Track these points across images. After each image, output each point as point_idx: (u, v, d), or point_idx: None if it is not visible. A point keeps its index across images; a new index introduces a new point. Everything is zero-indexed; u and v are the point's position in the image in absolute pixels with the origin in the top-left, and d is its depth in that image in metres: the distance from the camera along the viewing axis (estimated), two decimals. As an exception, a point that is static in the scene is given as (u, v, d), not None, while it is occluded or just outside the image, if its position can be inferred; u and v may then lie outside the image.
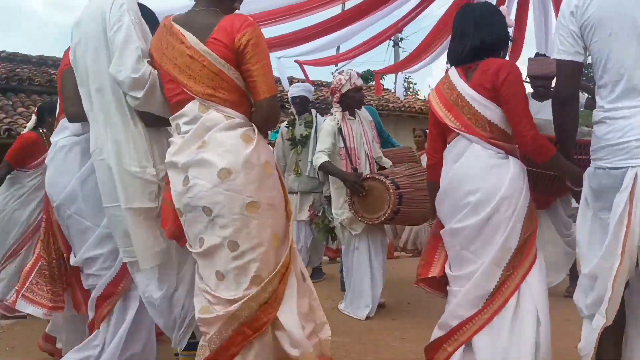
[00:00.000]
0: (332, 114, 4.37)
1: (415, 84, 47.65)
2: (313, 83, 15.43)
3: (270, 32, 6.67)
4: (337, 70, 8.04)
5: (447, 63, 2.90)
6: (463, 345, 2.31)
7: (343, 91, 4.27)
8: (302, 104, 5.71)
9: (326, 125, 4.34)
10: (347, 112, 4.33)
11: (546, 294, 2.32)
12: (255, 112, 2.19)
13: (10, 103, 10.33)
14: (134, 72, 2.21)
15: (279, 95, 5.43)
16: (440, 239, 2.50)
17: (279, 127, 5.86)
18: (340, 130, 4.23)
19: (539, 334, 2.25)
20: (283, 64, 7.31)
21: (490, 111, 2.32)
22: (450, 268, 2.45)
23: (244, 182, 2.05)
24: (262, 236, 2.08)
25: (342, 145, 4.23)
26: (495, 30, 2.45)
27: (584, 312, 2.13)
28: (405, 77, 27.01)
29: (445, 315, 2.43)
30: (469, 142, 2.34)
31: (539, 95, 4.24)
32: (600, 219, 2.06)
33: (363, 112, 4.52)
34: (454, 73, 2.45)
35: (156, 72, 2.25)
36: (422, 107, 15.03)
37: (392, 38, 21.08)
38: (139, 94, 2.23)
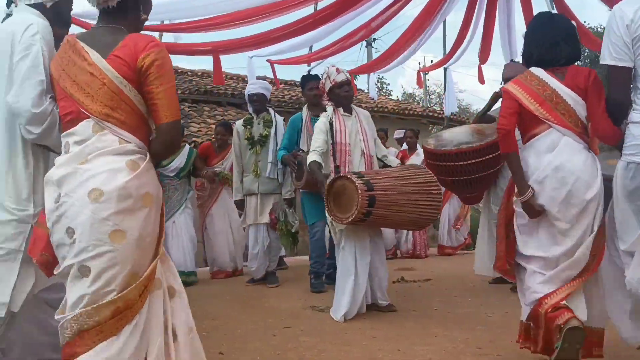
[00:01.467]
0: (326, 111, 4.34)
1: (389, 84, 47.94)
2: (286, 83, 15.48)
3: (242, 32, 6.68)
4: (309, 70, 8.05)
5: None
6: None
7: (327, 90, 4.29)
8: (260, 102, 5.58)
9: (319, 122, 4.31)
10: (341, 109, 4.27)
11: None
12: (155, 138, 2.08)
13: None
14: (34, 107, 2.14)
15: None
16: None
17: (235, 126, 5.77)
18: (331, 126, 4.19)
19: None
20: (254, 64, 7.26)
21: (582, 108, 2.66)
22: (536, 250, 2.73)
23: (114, 208, 1.90)
24: (117, 269, 1.90)
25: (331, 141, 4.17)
26: (578, 44, 2.84)
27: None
28: (379, 77, 27.16)
29: (537, 282, 2.69)
30: (561, 135, 2.65)
31: None
32: (635, 208, 2.39)
33: (363, 111, 4.46)
34: (541, 72, 2.74)
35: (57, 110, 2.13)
36: (395, 108, 15.12)
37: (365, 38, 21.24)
38: (37, 130, 2.15)
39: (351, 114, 4.29)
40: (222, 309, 4.63)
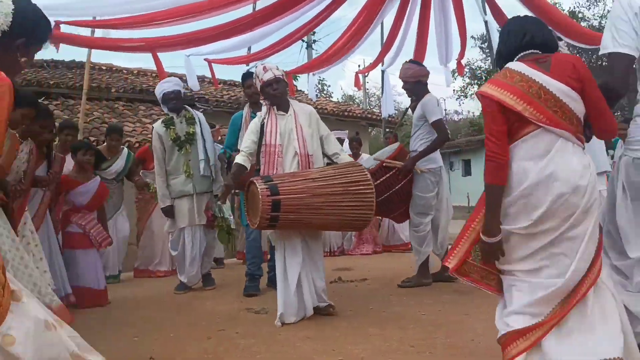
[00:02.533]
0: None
1: (329, 86, 48.26)
2: (225, 83, 15.30)
3: (178, 29, 6.53)
4: (248, 69, 7.98)
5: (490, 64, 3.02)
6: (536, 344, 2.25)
7: (259, 89, 4.22)
8: (178, 99, 5.39)
9: (251, 122, 4.24)
10: (275, 107, 4.17)
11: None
12: None
13: None
14: None
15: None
16: (465, 232, 2.47)
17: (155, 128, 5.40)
18: (262, 126, 4.12)
19: (623, 323, 2.24)
20: (191, 62, 7.12)
21: (576, 103, 2.29)
22: (521, 264, 2.34)
23: None
24: None
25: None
26: (552, 34, 2.54)
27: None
28: (319, 79, 27.30)
29: (517, 307, 2.31)
30: (555, 136, 2.27)
31: (407, 94, 5.27)
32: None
33: (305, 107, 4.28)
34: (522, 66, 2.37)
35: None
36: (335, 109, 15.23)
37: (305, 40, 21.30)
38: None
39: (287, 112, 4.18)
40: (155, 312, 4.51)
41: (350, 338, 3.48)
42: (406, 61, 5.43)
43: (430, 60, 7.27)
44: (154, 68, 6.89)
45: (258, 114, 4.29)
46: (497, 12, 6.79)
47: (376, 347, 3.29)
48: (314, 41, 22.17)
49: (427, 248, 5.07)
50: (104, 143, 6.63)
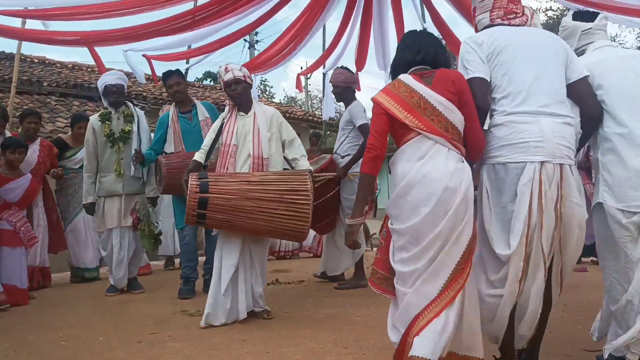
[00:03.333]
0: None
1: (272, 87, 48.13)
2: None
3: (115, 23, 6.35)
4: (188, 67, 7.86)
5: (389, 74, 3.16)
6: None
7: (224, 89, 4.18)
8: (119, 94, 5.19)
9: (216, 121, 4.21)
10: (237, 107, 4.13)
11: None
12: None
13: None
14: None
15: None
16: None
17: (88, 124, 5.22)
18: (222, 125, 4.09)
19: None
20: (130, 57, 6.93)
21: (453, 114, 2.56)
22: (398, 263, 2.57)
23: None
24: None
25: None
26: (444, 51, 2.81)
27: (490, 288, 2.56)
28: (262, 80, 27.17)
29: (400, 313, 2.55)
30: (432, 142, 2.54)
31: (336, 99, 5.58)
32: (503, 207, 2.49)
33: (268, 110, 4.22)
34: (409, 78, 2.65)
35: None
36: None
37: (248, 39, 21.17)
38: None
39: (247, 114, 4.11)
40: (83, 316, 4.36)
41: (285, 340, 3.48)
42: (338, 66, 5.51)
43: (371, 65, 7.38)
44: (91, 62, 6.67)
45: (222, 113, 4.22)
46: (437, 20, 6.95)
47: (309, 348, 3.30)
48: (257, 41, 22.08)
49: (360, 248, 5.12)
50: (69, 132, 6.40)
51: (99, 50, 6.55)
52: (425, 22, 7.15)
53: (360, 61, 7.54)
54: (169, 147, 4.97)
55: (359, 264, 5.19)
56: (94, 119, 5.21)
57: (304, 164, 4.15)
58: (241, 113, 4.12)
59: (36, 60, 13.49)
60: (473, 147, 2.62)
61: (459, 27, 17.73)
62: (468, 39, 2.71)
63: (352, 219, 2.74)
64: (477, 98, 2.59)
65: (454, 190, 2.46)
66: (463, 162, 2.56)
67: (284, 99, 33.74)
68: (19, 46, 6.81)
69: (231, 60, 4.94)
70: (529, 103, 2.51)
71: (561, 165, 2.48)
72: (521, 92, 2.53)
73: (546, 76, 2.57)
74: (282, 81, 73.41)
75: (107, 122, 5.12)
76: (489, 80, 2.61)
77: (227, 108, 4.18)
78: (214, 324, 3.86)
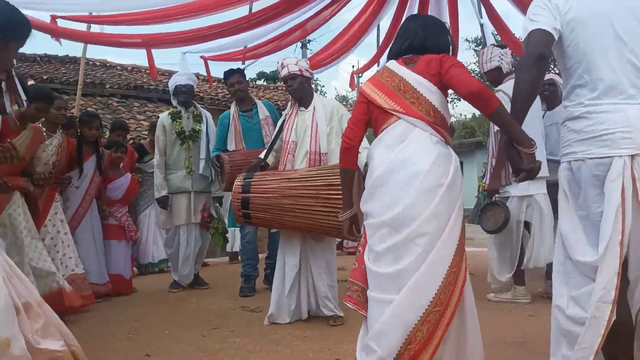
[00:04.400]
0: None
1: (323, 86, 48.23)
2: (220, 81, 15.24)
3: (174, 27, 6.50)
4: (244, 67, 7.97)
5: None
6: None
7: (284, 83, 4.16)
8: (189, 94, 5.32)
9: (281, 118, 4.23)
10: (297, 103, 4.09)
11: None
12: None
13: None
14: None
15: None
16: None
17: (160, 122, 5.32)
18: (283, 122, 4.11)
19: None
20: (187, 60, 7.10)
21: (435, 95, 2.38)
22: (375, 262, 2.31)
23: None
24: None
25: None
26: (439, 36, 2.58)
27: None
28: (315, 79, 27.26)
29: (379, 328, 2.21)
30: (412, 125, 2.36)
31: None
32: (586, 209, 2.13)
33: (329, 103, 4.13)
34: (393, 64, 2.52)
35: None
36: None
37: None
38: None
39: (307, 108, 4.05)
40: (148, 311, 4.49)
41: (346, 338, 3.48)
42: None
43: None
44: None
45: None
46: (493, 15, 6.82)
47: (371, 347, 3.29)
48: (309, 41, 22.14)
49: None
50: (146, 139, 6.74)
51: (153, 52, 6.75)
52: (482, 18, 7.02)
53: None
54: (230, 145, 5.07)
55: None
56: (163, 116, 5.35)
57: (362, 157, 3.96)
58: (302, 108, 4.07)
59: (98, 64, 13.96)
60: (470, 96, 2.28)
61: (513, 21, 17.51)
62: None
63: (342, 214, 2.74)
64: (532, 45, 2.16)
65: (439, 177, 2.26)
66: (447, 147, 2.38)
67: (335, 98, 33.79)
68: (84, 49, 7.08)
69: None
70: (612, 92, 2.12)
71: None
72: (602, 79, 2.13)
73: (632, 54, 2.12)
74: (333, 80, 73.52)
75: (177, 120, 5.24)
76: (555, 37, 2.16)
77: (289, 104, 4.18)
78: (278, 323, 3.90)
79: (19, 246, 3.63)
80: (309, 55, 20.28)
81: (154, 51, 6.62)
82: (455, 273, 2.23)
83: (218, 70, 15.15)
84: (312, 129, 3.96)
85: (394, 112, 2.40)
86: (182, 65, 6.96)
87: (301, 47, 21.87)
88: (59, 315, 3.68)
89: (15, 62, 3.36)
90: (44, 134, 4.27)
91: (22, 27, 2.37)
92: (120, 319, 4.19)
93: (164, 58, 47.52)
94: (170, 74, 14.08)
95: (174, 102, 5.40)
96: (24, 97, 3.33)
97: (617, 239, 2.00)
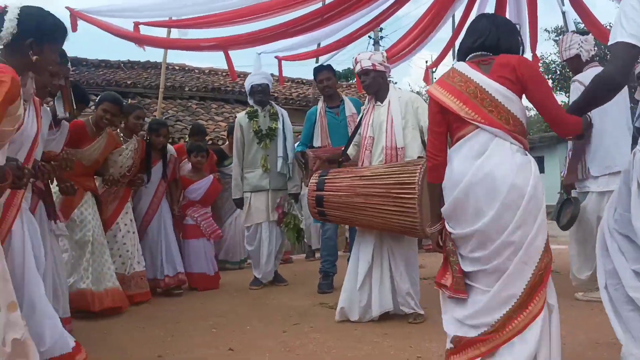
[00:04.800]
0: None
1: (396, 82, 47.82)
2: (293, 81, 15.43)
3: (249, 27, 6.61)
4: (317, 65, 8.00)
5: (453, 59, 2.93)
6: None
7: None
8: (265, 93, 5.34)
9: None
10: (373, 98, 4.05)
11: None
12: None
13: None
14: None
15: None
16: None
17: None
18: (361, 118, 4.11)
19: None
20: (261, 60, 7.20)
21: (514, 104, 2.29)
22: (470, 267, 2.35)
23: None
24: None
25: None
26: (511, 36, 2.49)
27: None
28: (390, 73, 27.05)
29: (467, 315, 2.32)
30: (492, 135, 2.29)
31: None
32: None
33: (404, 95, 4.05)
34: (464, 66, 2.40)
35: None
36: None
37: (372, 36, 21.20)
38: None
39: (382, 103, 3.97)
40: (229, 306, 4.60)
41: (427, 335, 3.42)
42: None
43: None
44: (224, 67, 7.04)
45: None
46: (576, 3, 6.50)
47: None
48: (381, 37, 22.02)
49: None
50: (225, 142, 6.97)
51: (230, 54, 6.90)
52: (564, 5, 6.70)
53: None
54: (316, 142, 5.10)
55: None
56: (241, 116, 5.42)
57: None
58: (378, 103, 4.02)
59: (177, 68, 14.47)
60: (555, 129, 2.38)
61: (598, 7, 16.60)
62: None
63: (430, 227, 2.60)
64: (616, 65, 2.09)
65: (521, 188, 2.21)
66: (527, 155, 2.31)
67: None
68: (165, 54, 7.35)
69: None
70: None
71: None
72: None
73: None
74: (405, 77, 72.74)
75: (255, 119, 5.28)
76: None
77: (367, 99, 4.16)
78: (350, 319, 3.87)
79: (85, 242, 4.06)
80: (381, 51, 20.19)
81: (230, 53, 6.78)
82: (541, 275, 2.23)
83: (290, 71, 15.26)
84: (388, 123, 3.90)
85: (472, 122, 2.31)
86: (256, 65, 7.05)
87: (374, 45, 21.77)
88: (112, 311, 4.17)
89: (71, 67, 3.62)
90: (121, 138, 4.67)
91: (55, 29, 2.45)
92: (202, 314, 4.30)
93: (240, 60, 48.43)
94: (246, 75, 14.38)
95: (251, 102, 5.46)
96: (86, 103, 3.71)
97: None
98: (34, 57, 2.32)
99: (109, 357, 3.23)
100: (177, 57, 18.68)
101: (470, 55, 2.45)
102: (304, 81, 15.09)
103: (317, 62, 8.26)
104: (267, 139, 5.25)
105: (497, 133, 2.27)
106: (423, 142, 3.89)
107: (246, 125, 5.31)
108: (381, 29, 21.34)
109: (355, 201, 3.64)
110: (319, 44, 7.86)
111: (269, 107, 5.39)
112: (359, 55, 4.06)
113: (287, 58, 7.70)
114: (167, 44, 6.47)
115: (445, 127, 2.43)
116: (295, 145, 5.49)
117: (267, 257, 5.30)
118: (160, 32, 6.63)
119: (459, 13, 7.39)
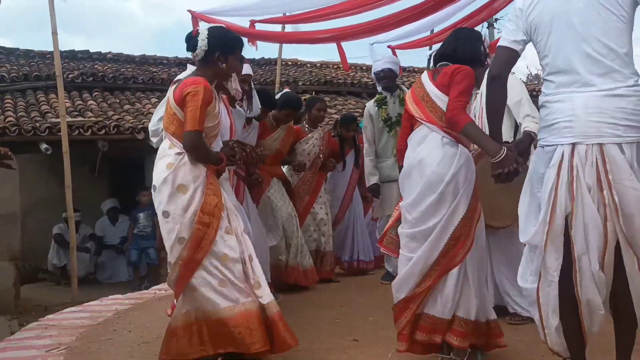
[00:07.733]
0: None
1: (514, 72, 45.84)
2: (404, 70, 15.20)
3: (362, 17, 6.56)
4: (431, 53, 7.80)
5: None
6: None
7: None
8: (389, 78, 5.09)
9: None
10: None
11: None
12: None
13: (118, 101, 10.91)
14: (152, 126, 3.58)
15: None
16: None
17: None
18: None
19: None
20: (375, 51, 7.15)
21: (444, 104, 2.76)
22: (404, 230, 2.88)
23: (161, 196, 2.78)
24: (170, 237, 2.78)
25: None
26: (470, 48, 2.94)
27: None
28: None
29: (400, 278, 2.84)
30: (429, 130, 2.82)
31: None
32: (534, 193, 2.36)
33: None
34: (424, 75, 2.95)
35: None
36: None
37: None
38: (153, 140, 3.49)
39: (478, 90, 3.82)
40: (349, 297, 4.63)
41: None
42: None
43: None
44: (335, 60, 7.07)
45: None
46: None
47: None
48: (496, 19, 21.11)
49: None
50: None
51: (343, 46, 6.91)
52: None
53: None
54: None
55: None
56: (370, 105, 5.26)
57: (528, 124, 3.46)
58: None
59: (290, 63, 14.79)
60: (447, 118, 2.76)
61: None
62: (517, 3, 2.48)
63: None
64: (492, 65, 2.52)
65: (441, 174, 2.70)
66: (457, 147, 2.74)
67: (526, 78, 31.83)
68: (280, 50, 7.53)
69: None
70: (568, 83, 2.25)
71: (601, 145, 2.15)
72: (561, 71, 2.27)
73: (586, 44, 2.21)
74: (523, 60, 69.36)
75: (383, 107, 5.09)
76: (517, 50, 2.43)
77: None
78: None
79: (276, 220, 4.75)
80: (496, 36, 19.37)
81: (343, 45, 6.80)
82: (454, 245, 2.72)
83: (404, 60, 15.05)
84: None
85: (419, 119, 2.87)
86: (372, 56, 7.00)
87: (487, 27, 20.94)
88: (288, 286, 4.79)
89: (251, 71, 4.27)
90: (306, 129, 5.37)
91: (234, 42, 3.06)
92: (325, 304, 4.36)
93: (352, 52, 48.77)
94: (356, 67, 14.43)
95: (379, 89, 5.27)
96: (258, 105, 4.26)
97: (545, 221, 2.22)
98: (223, 65, 2.95)
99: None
100: (289, 52, 19.17)
101: (438, 64, 2.95)
102: (416, 69, 14.84)
103: (430, 48, 8.07)
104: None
105: (433, 128, 2.80)
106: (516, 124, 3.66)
107: (375, 114, 5.12)
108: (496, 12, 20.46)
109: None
110: (432, 30, 7.68)
111: (399, 92, 5.12)
112: None
113: (400, 47, 7.59)
114: (282, 38, 6.62)
115: (409, 123, 2.98)
116: None
117: None
118: (275, 29, 6.80)
119: None
